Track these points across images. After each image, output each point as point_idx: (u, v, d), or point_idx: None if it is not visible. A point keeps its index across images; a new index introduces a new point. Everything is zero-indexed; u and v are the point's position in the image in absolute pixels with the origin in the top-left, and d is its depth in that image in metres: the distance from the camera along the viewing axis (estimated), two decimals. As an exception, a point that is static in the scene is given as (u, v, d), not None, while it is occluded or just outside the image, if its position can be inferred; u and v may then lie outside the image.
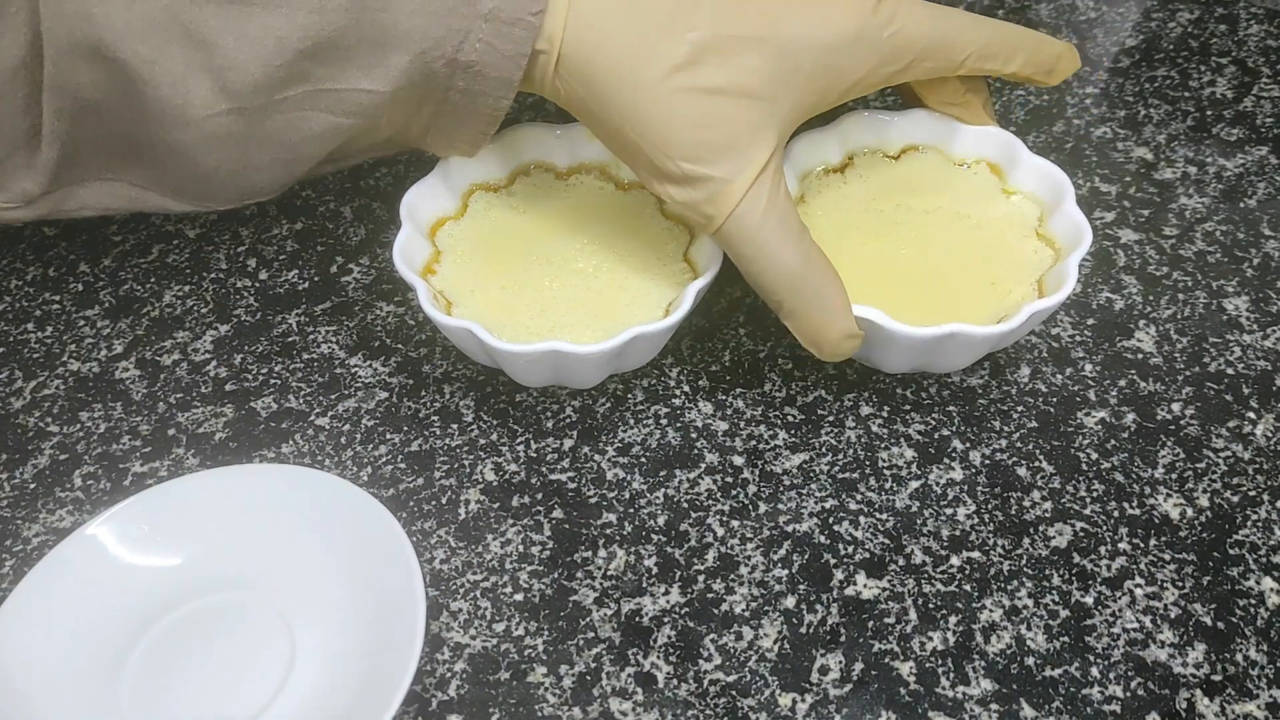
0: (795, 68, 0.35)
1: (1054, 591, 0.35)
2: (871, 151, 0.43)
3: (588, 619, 0.35)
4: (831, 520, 0.37)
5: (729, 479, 0.39)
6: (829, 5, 0.36)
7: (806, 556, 0.36)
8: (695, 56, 0.34)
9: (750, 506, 0.38)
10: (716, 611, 0.35)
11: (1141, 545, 0.36)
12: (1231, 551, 0.36)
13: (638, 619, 0.35)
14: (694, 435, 0.40)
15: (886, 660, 0.34)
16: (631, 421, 0.40)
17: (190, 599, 0.35)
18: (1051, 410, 0.40)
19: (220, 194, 0.39)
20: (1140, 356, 0.42)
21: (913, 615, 0.35)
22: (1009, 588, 0.35)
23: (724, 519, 0.37)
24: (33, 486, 0.39)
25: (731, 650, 0.34)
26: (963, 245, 0.40)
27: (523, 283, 0.40)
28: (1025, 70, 0.39)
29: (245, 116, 0.35)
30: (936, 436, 0.40)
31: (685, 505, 0.38)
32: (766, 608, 0.35)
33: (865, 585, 0.36)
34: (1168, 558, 0.36)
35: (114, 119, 0.36)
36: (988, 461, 0.39)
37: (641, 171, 0.37)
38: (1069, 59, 0.41)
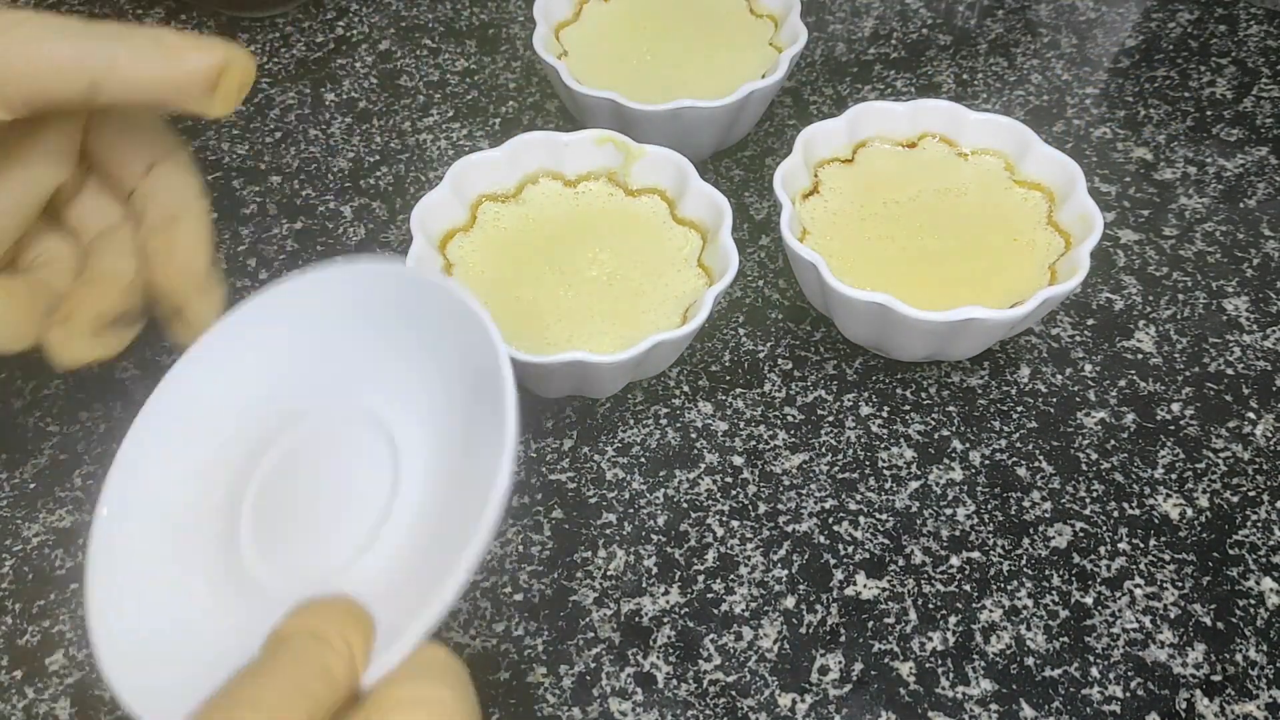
0: None
1: (1054, 592, 0.35)
2: (882, 141, 0.43)
3: (587, 619, 0.35)
4: (831, 520, 0.37)
5: (729, 479, 0.39)
6: None
7: (806, 557, 0.36)
8: None
9: (750, 506, 0.38)
10: (716, 611, 0.35)
11: (1141, 545, 0.36)
12: (1231, 552, 0.36)
13: (637, 619, 0.35)
14: (694, 435, 0.40)
15: (886, 660, 0.34)
16: (631, 421, 0.40)
17: (299, 421, 0.32)
18: (1051, 410, 0.40)
19: None
20: (1140, 357, 0.42)
21: (912, 615, 0.35)
22: (1009, 588, 0.35)
23: (724, 519, 0.37)
24: (33, 486, 0.39)
25: (731, 650, 0.34)
26: (973, 234, 0.40)
27: (537, 293, 0.40)
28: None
29: None
30: (936, 437, 0.40)
31: (685, 505, 0.38)
32: (766, 608, 0.35)
33: (865, 585, 0.36)
34: (1167, 558, 0.36)
35: None
36: (987, 462, 0.39)
37: None
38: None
